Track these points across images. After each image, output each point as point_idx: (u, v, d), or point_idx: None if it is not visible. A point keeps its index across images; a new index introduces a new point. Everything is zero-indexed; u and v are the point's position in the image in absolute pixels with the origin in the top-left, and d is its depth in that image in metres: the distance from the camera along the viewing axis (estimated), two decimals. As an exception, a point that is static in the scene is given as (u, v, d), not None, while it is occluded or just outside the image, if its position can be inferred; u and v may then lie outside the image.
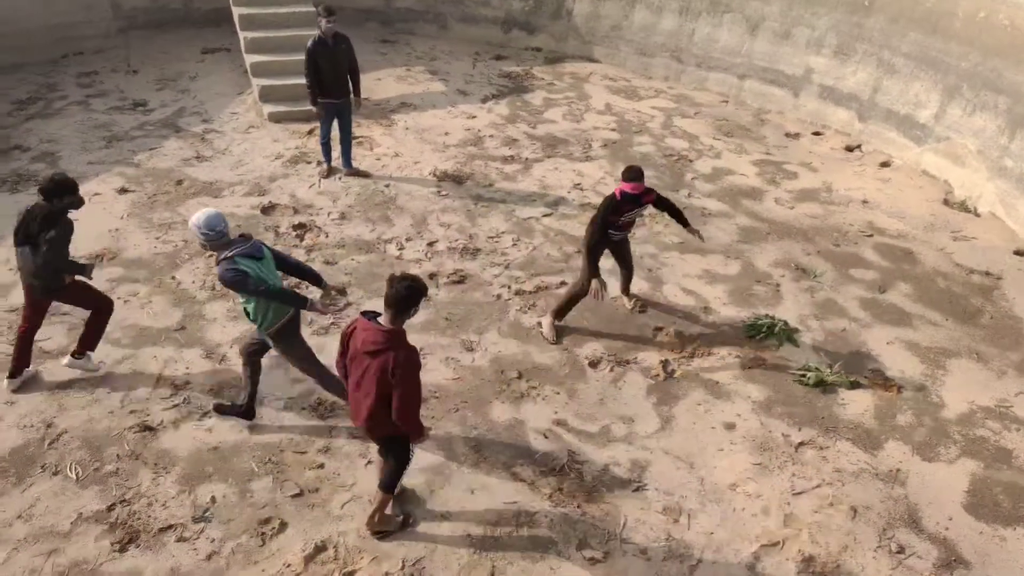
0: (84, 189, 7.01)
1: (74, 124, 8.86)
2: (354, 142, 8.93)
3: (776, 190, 8.64)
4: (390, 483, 4.31)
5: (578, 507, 4.66)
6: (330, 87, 7.71)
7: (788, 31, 10.45)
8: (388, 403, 3.86)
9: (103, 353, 5.53)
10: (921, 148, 9.23)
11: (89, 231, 6.83)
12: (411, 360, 3.84)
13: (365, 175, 8.28)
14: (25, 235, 4.81)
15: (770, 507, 4.74)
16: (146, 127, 8.96)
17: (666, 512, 4.67)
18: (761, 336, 6.19)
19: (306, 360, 4.88)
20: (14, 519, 4.31)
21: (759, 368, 5.90)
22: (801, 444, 5.23)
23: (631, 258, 6.36)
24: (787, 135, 10.08)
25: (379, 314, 3.86)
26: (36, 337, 5.22)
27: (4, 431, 4.85)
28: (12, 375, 5.16)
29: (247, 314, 4.60)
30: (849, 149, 9.72)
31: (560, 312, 6.08)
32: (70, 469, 4.63)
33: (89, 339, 5.31)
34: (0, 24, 9.99)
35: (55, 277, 4.90)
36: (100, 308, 5.29)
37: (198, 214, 4.29)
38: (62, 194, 4.82)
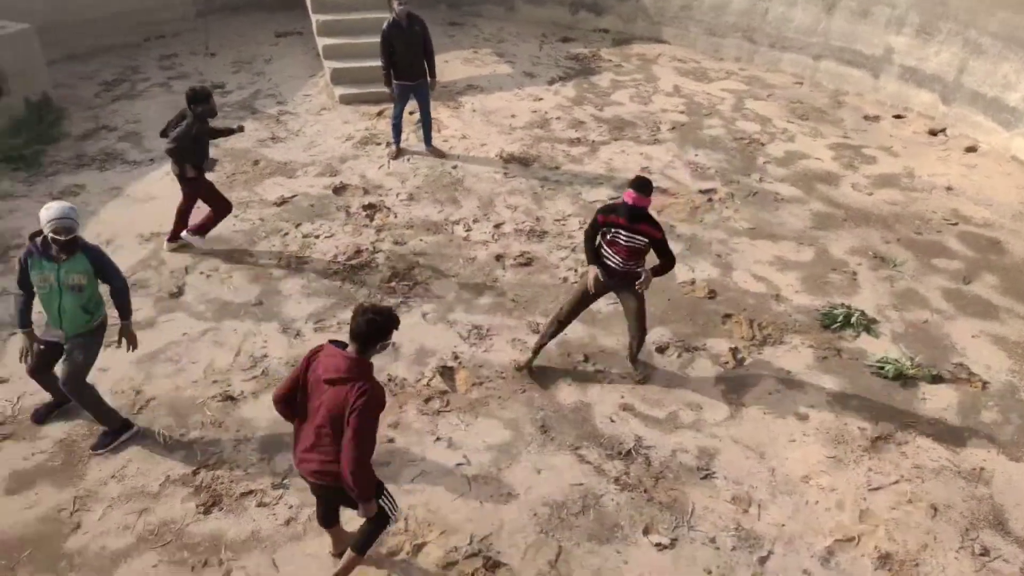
0: (166, 170, 7.32)
1: (157, 105, 9.17)
2: (420, 124, 9.02)
3: (853, 175, 8.37)
4: (364, 545, 3.75)
5: (645, 492, 4.65)
6: (404, 69, 7.82)
7: (867, 9, 10.06)
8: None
9: (187, 325, 5.76)
10: (1010, 132, 8.80)
11: (172, 208, 7.09)
12: (375, 397, 3.31)
13: (442, 155, 8.37)
14: (163, 131, 6.37)
15: (845, 501, 4.64)
16: (224, 108, 9.20)
17: (735, 501, 4.62)
18: (837, 326, 6.03)
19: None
20: (108, 478, 4.55)
21: (834, 359, 5.76)
22: (878, 438, 5.09)
23: (640, 312, 5.26)
24: (866, 118, 9.74)
25: (348, 344, 3.42)
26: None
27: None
28: (171, 239, 6.56)
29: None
30: (932, 133, 9.34)
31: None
32: (158, 434, 4.85)
33: (203, 227, 6.58)
34: (90, 9, 10.40)
35: (178, 164, 6.22)
36: (218, 208, 6.54)
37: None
38: (198, 101, 6.03)
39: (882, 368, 5.61)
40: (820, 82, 10.70)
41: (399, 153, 8.36)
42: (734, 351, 5.79)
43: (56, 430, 4.84)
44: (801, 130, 9.36)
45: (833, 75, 10.61)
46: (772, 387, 5.49)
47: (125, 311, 4.65)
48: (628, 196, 4.89)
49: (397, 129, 8.30)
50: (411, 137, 8.70)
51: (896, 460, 4.94)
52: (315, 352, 3.46)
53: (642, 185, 4.90)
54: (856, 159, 8.71)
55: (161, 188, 7.42)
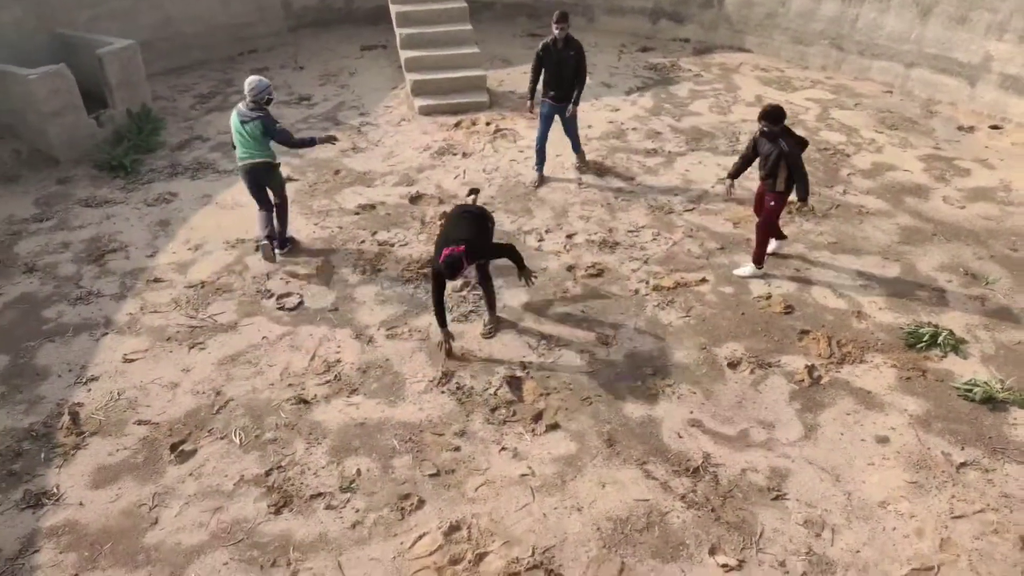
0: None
1: (246, 117, 9.58)
2: (499, 134, 9.13)
3: (945, 188, 7.97)
4: None
5: (712, 511, 4.55)
6: (552, 89, 7.75)
7: (965, 15, 9.58)
8: None
9: (267, 329, 6.00)
10: (1124, 143, 8.21)
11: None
12: None
13: (585, 169, 8.34)
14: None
15: (925, 529, 4.41)
16: (310, 120, 9.57)
17: (807, 525, 4.46)
18: (922, 345, 5.75)
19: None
20: (186, 476, 4.77)
21: (918, 379, 5.49)
22: (963, 464, 4.82)
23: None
24: (960, 128, 9.27)
25: None
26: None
27: (181, 396, 5.38)
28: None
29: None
30: (1034, 144, 8.81)
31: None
32: (235, 434, 5.06)
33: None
34: (190, 24, 11.01)
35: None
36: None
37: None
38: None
39: (970, 391, 5.31)
40: (912, 91, 10.25)
41: (541, 181, 8.14)
42: (810, 369, 5.59)
43: (140, 429, 5.12)
44: (890, 140, 8.99)
45: (926, 83, 10.15)
46: (850, 407, 5.28)
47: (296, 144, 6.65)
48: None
49: (540, 154, 8.07)
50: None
51: (982, 488, 4.67)
52: None
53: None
54: (948, 171, 8.29)
55: (248, 196, 7.75)
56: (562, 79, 7.67)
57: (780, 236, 6.88)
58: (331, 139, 6.91)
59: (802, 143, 6.22)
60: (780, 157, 6.04)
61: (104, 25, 9.90)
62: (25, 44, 8.96)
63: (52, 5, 9.44)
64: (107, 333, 5.96)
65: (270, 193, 6.72)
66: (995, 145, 8.86)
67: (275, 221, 6.73)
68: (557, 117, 7.94)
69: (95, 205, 7.68)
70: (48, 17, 9.39)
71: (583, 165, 8.43)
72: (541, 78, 7.81)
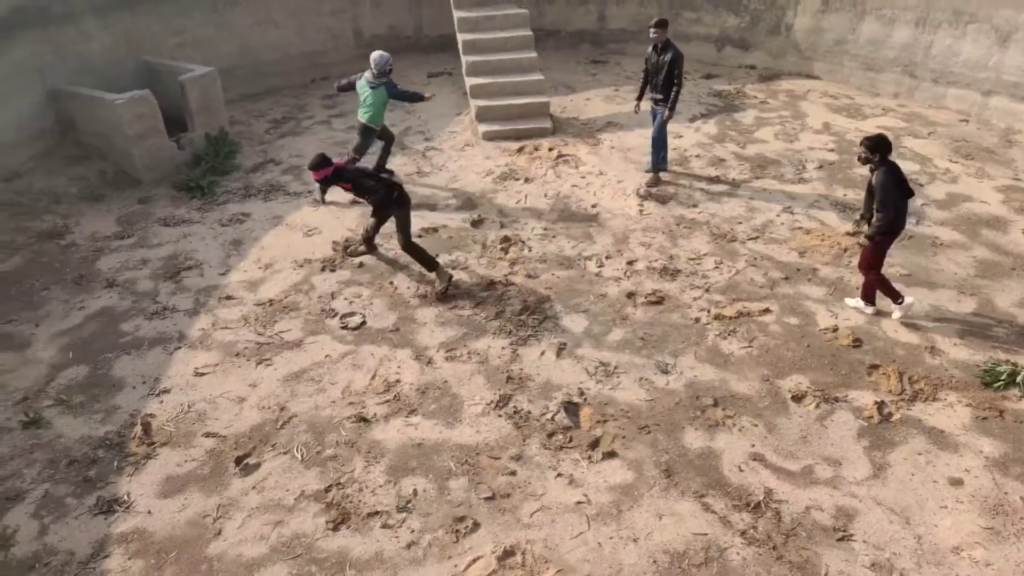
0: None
1: (317, 141, 9.92)
2: (561, 159, 9.19)
3: (1026, 220, 7.65)
4: None
5: (773, 549, 4.42)
6: (653, 90, 8.41)
7: (1050, 41, 9.23)
8: None
9: (330, 348, 6.13)
10: None
11: (325, 236, 7.62)
12: None
13: (656, 184, 8.58)
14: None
15: (1001, 579, 4.20)
16: (377, 144, 9.80)
17: (875, 568, 4.29)
18: (1000, 384, 5.50)
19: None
20: (250, 489, 4.90)
21: (995, 420, 5.25)
22: (1045, 512, 4.58)
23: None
24: (1042, 159, 8.90)
25: None
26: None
27: (247, 410, 5.54)
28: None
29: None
30: (1124, 176, 8.38)
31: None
32: (297, 450, 5.18)
33: None
34: (266, 52, 11.49)
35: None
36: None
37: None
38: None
39: (1053, 435, 5.05)
40: (989, 120, 9.91)
41: (655, 177, 8.64)
42: (880, 405, 5.41)
43: (207, 441, 5.28)
44: (966, 170, 8.69)
45: (1004, 112, 9.79)
46: (922, 447, 5.08)
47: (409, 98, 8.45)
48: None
49: (655, 143, 8.53)
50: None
51: (1067, 540, 4.42)
52: None
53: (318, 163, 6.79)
54: (1030, 203, 7.96)
55: (317, 219, 8.00)
56: (657, 80, 8.26)
57: (870, 300, 6.39)
58: (429, 97, 8.67)
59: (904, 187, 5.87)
60: (870, 189, 5.90)
61: (187, 53, 10.41)
62: (112, 71, 9.48)
63: (140, 33, 9.98)
64: (180, 347, 6.19)
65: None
66: (1081, 176, 8.47)
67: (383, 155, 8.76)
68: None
69: (173, 224, 8.02)
70: (136, 44, 9.93)
71: (654, 181, 8.55)
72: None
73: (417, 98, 8.41)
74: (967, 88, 10.15)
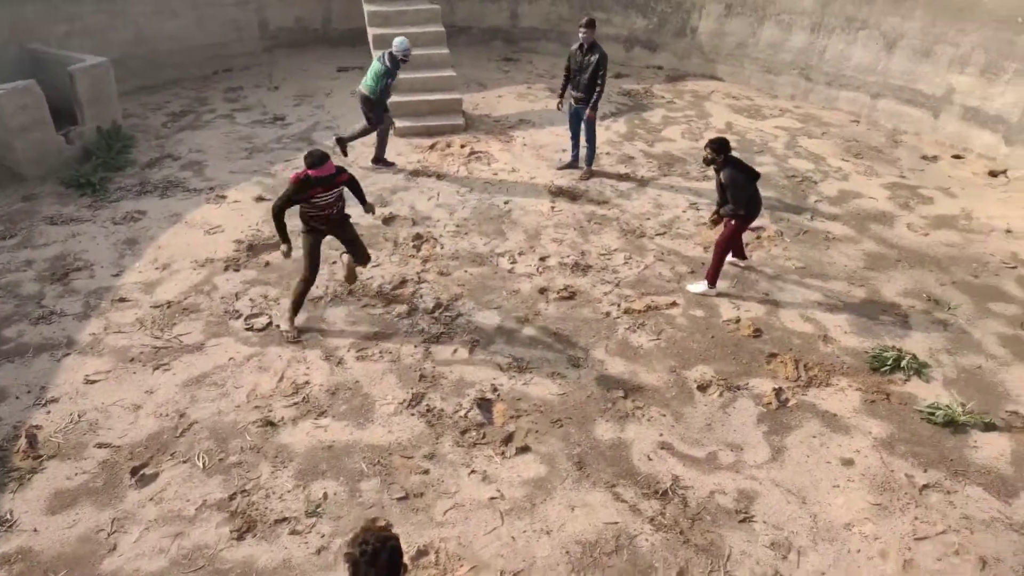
0: (224, 197, 7.58)
1: (220, 136, 9.56)
2: (473, 156, 9.19)
3: (909, 215, 8.15)
4: None
5: (680, 534, 4.55)
6: (574, 88, 8.50)
7: (929, 48, 9.88)
8: None
9: (234, 350, 5.92)
10: (1079, 174, 8.47)
11: (228, 235, 7.35)
12: None
13: (589, 176, 8.83)
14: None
15: (889, 551, 4.45)
16: (283, 140, 9.55)
17: (774, 547, 4.48)
18: (886, 369, 5.84)
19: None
20: (147, 501, 4.66)
21: (882, 403, 5.57)
22: (926, 486, 4.88)
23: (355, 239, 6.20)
24: (923, 158, 9.51)
25: None
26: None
27: (143, 418, 5.27)
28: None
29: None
30: (993, 174, 9.05)
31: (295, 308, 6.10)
32: (198, 458, 4.97)
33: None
34: (164, 42, 10.98)
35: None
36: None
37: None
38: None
39: (932, 414, 5.39)
40: (877, 121, 10.51)
41: (569, 166, 9.01)
42: (778, 392, 5.65)
43: (100, 452, 5.00)
44: (856, 169, 9.18)
45: (891, 114, 10.41)
46: (816, 430, 5.33)
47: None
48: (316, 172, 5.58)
49: (589, 140, 8.75)
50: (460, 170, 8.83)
51: (944, 510, 4.73)
52: None
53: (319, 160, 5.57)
54: (912, 199, 8.49)
55: (219, 215, 7.70)
56: (580, 80, 8.33)
57: (741, 256, 7.09)
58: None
59: (751, 173, 6.46)
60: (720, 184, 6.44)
61: (78, 42, 9.83)
62: (-6, 59, 8.87)
63: (27, 20, 9.37)
64: (69, 354, 5.84)
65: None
66: (957, 175, 9.09)
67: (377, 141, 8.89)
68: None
69: (61, 223, 7.56)
70: (21, 32, 9.31)
71: (587, 174, 8.79)
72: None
73: (370, 118, 8.57)
74: (857, 91, 10.73)
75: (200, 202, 8.00)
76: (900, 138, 10.06)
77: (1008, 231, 7.85)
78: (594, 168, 8.93)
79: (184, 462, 4.93)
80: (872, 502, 4.77)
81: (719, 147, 6.30)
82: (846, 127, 10.39)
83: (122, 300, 6.46)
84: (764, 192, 8.50)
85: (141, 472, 4.84)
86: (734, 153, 6.47)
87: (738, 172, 6.34)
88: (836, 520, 4.65)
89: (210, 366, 5.75)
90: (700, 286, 6.77)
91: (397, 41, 8.19)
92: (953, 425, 5.34)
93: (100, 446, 5.03)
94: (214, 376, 5.66)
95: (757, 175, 6.50)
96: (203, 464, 4.92)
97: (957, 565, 4.38)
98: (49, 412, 5.29)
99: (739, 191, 6.34)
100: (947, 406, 5.43)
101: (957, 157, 9.49)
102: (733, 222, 6.50)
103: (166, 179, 8.49)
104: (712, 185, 8.62)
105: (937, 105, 9.91)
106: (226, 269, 6.88)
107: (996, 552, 4.46)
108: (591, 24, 8.20)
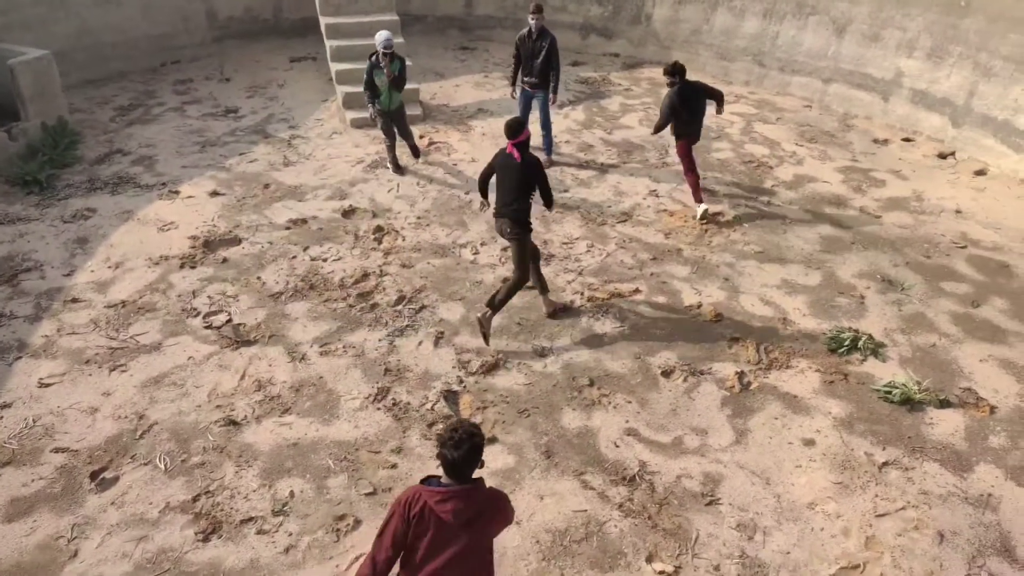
0: (178, 192, 7.39)
1: (171, 130, 9.32)
2: (432, 147, 9.12)
3: (862, 198, 8.33)
4: None
5: (648, 519, 4.60)
6: (526, 75, 8.50)
7: (877, 33, 10.08)
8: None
9: (193, 349, 5.80)
10: (1020, 155, 8.75)
11: (182, 232, 7.18)
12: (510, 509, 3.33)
13: (550, 164, 8.81)
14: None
15: (851, 528, 4.57)
16: (237, 133, 9.35)
17: (740, 528, 4.56)
18: (843, 350, 5.98)
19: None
20: (108, 505, 4.55)
21: (841, 383, 5.70)
22: (885, 464, 5.02)
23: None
24: (875, 141, 9.72)
25: (438, 478, 3.14)
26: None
27: (101, 421, 5.14)
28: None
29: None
30: (942, 156, 9.30)
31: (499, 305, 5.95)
32: (159, 459, 4.86)
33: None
34: (108, 34, 10.63)
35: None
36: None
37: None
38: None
39: (889, 393, 5.54)
40: (829, 105, 10.70)
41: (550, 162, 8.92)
42: (740, 375, 5.74)
43: (57, 457, 4.87)
44: (810, 153, 9.35)
45: (843, 98, 10.61)
46: (778, 412, 5.44)
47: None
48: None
49: (544, 128, 8.76)
50: (419, 165, 8.75)
51: (903, 486, 4.87)
52: (417, 503, 3.11)
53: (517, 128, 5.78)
54: (865, 182, 8.68)
55: (172, 212, 7.52)
56: (533, 66, 8.34)
57: (698, 200, 7.86)
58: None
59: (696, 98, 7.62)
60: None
61: (16, 35, 9.46)
62: (-72, 53, 8.49)
63: (-41, 13, 8.99)
64: (20, 357, 5.66)
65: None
66: (907, 157, 9.31)
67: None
68: (535, 104, 8.62)
69: (7, 223, 7.30)
70: (-46, 25, 8.94)
71: (546, 163, 8.73)
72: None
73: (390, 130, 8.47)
74: (810, 76, 10.91)
75: (152, 198, 7.80)
76: (852, 122, 10.27)
77: (958, 212, 8.08)
78: (553, 157, 8.93)
79: (145, 464, 4.83)
80: (833, 481, 4.89)
81: (672, 70, 7.43)
82: (799, 112, 10.57)
83: (75, 300, 6.27)
84: (722, 177, 8.67)
85: (101, 476, 4.72)
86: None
87: (675, 95, 7.37)
88: (799, 500, 4.76)
89: (169, 366, 5.62)
90: (699, 209, 7.67)
91: (378, 35, 8.00)
92: (909, 403, 5.49)
93: (57, 451, 4.89)
94: (173, 376, 5.54)
95: (701, 109, 7.63)
96: (165, 466, 4.82)
97: (917, 540, 4.52)
98: (1, 418, 5.12)
99: (663, 114, 7.50)
100: (903, 384, 5.58)
101: (907, 140, 9.72)
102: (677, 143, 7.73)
103: (116, 175, 8.25)
104: (671, 171, 8.73)
105: (887, 89, 10.13)
106: (182, 267, 6.73)
107: (953, 526, 4.61)
108: (539, 9, 8.25)
